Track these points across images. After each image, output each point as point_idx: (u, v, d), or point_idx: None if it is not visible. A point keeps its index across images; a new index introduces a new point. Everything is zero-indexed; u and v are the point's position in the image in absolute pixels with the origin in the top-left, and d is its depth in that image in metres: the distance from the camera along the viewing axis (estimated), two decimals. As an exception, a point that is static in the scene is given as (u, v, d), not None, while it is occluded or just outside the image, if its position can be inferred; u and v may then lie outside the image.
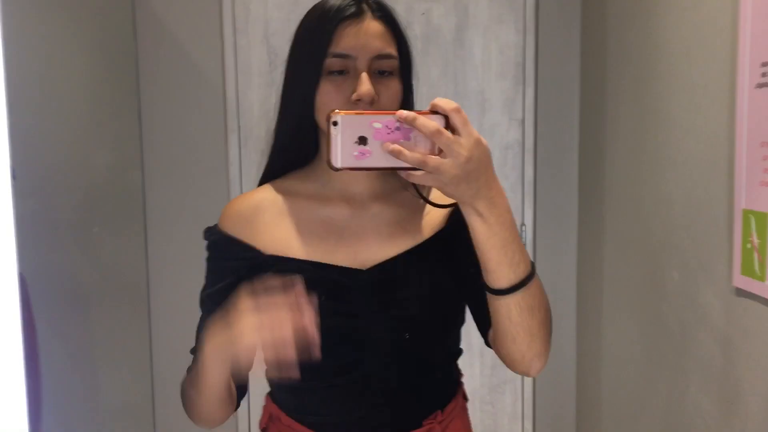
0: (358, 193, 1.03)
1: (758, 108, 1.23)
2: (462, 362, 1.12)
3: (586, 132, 2.21)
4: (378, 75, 0.95)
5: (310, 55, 0.95)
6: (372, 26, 0.96)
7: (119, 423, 2.13)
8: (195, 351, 1.01)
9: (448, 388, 1.09)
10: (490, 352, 2.27)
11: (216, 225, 1.06)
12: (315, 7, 0.99)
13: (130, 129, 2.21)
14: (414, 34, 2.23)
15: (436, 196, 1.04)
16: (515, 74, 2.25)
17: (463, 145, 0.81)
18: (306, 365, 0.89)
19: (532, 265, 0.91)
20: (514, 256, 0.88)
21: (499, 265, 0.88)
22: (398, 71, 0.98)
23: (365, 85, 0.93)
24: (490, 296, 0.91)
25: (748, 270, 1.27)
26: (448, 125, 0.82)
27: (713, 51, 1.38)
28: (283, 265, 0.98)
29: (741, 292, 1.29)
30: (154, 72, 2.22)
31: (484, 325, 1.00)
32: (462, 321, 1.06)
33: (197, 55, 2.22)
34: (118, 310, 2.13)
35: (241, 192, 2.24)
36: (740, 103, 1.28)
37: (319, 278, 0.97)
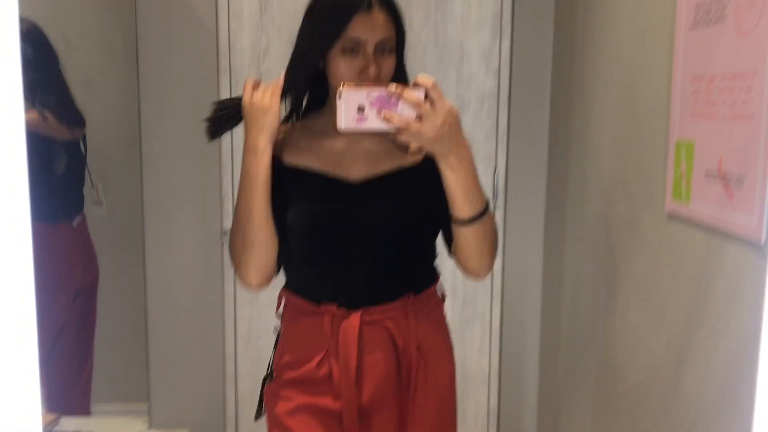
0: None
1: (692, 47, 1.36)
2: None
3: (557, 81, 2.35)
4: (379, 52, 1.26)
5: (328, 34, 1.25)
6: (379, 17, 1.26)
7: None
8: (237, 201, 1.31)
9: (419, 281, 1.41)
10: (461, 289, 2.45)
11: None
12: (323, 1, 1.29)
13: (127, 71, 2.34)
14: (398, -15, 2.35)
15: None
16: (492, 26, 2.37)
17: (438, 113, 1.12)
18: (308, 250, 1.33)
19: (487, 203, 1.28)
20: (474, 197, 1.24)
21: (463, 203, 1.24)
22: (394, 48, 1.29)
23: (372, 66, 1.24)
24: (454, 225, 1.27)
25: (677, 194, 1.41)
26: (427, 97, 1.12)
27: (656, 1, 1.52)
28: (296, 173, 1.34)
29: (672, 215, 1.44)
30: (151, 15, 2.34)
31: (449, 241, 1.37)
32: (429, 232, 1.40)
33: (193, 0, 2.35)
34: (115, 250, 2.27)
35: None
36: (678, 42, 1.41)
37: (322, 184, 1.33)
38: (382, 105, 1.14)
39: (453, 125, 1.15)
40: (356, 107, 1.15)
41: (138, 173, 2.39)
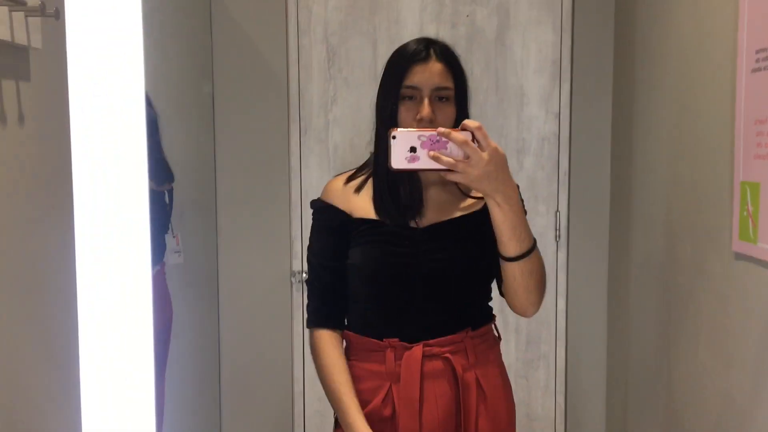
0: (423, 181, 1.44)
1: (753, 90, 1.39)
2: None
3: (618, 124, 2.38)
4: (438, 101, 1.36)
5: (392, 85, 1.37)
6: (435, 66, 1.36)
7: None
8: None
9: (477, 317, 1.48)
10: (525, 330, 2.48)
11: (318, 198, 1.50)
12: (399, 49, 1.43)
13: (206, 120, 2.49)
14: (459, 34, 2.43)
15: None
16: (552, 71, 2.43)
17: (484, 153, 1.19)
18: (373, 291, 1.44)
19: (534, 241, 1.34)
20: (521, 234, 1.30)
21: (509, 240, 1.30)
22: (453, 98, 1.38)
23: (426, 109, 1.34)
24: (502, 261, 1.34)
25: (744, 235, 1.43)
26: (474, 139, 1.19)
27: (717, 41, 1.55)
28: (366, 224, 1.42)
29: (739, 256, 1.45)
30: (227, 68, 2.49)
31: (499, 281, 1.43)
32: (486, 273, 1.46)
33: (265, 52, 2.48)
34: (192, 294, 2.38)
35: (300, 177, 2.49)
36: (739, 86, 1.44)
37: (389, 230, 1.42)
38: (432, 146, 1.21)
39: (499, 164, 1.22)
40: (408, 148, 1.22)
41: (213, 219, 2.51)
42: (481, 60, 2.44)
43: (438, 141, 1.21)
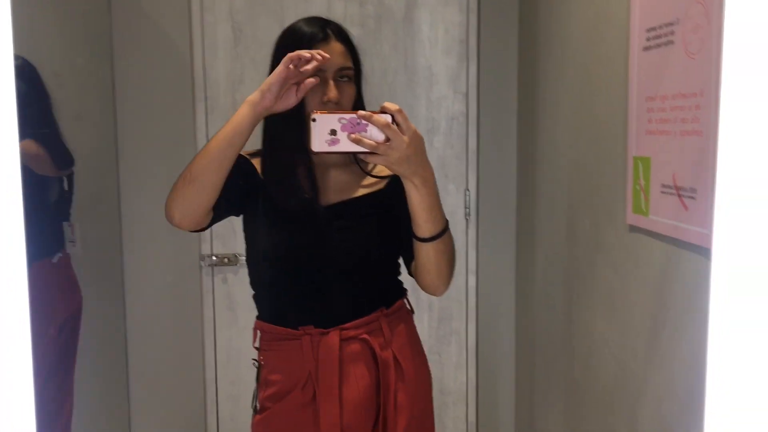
0: (324, 160, 1.45)
1: (645, 67, 1.45)
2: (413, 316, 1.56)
3: (523, 104, 2.43)
4: (340, 80, 1.37)
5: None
6: (336, 47, 1.37)
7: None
8: (209, 142, 1.34)
9: (388, 294, 1.50)
10: (437, 307, 2.52)
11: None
12: (290, 31, 1.40)
13: (105, 100, 2.38)
14: (367, 12, 2.42)
15: (377, 170, 1.48)
16: (459, 51, 2.45)
17: (404, 136, 1.20)
18: (283, 275, 1.41)
19: (446, 222, 1.37)
20: (436, 216, 1.32)
21: (425, 222, 1.31)
22: (353, 78, 1.40)
23: (332, 91, 1.35)
24: (415, 242, 1.36)
25: (637, 208, 1.49)
26: (394, 121, 1.20)
27: (612, 21, 1.60)
28: (270, 201, 1.40)
29: (633, 228, 1.51)
30: (128, 47, 2.39)
31: (409, 259, 1.45)
32: (394, 250, 1.48)
33: (168, 30, 2.40)
34: (95, 282, 2.29)
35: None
36: (632, 64, 1.49)
37: (293, 213, 1.40)
38: (353, 129, 1.21)
39: (418, 147, 1.23)
40: (328, 131, 1.21)
41: (116, 205, 2.42)
42: (390, 39, 2.44)
43: (359, 124, 1.21)
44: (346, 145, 1.22)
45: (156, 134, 2.42)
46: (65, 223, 2.14)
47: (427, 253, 1.35)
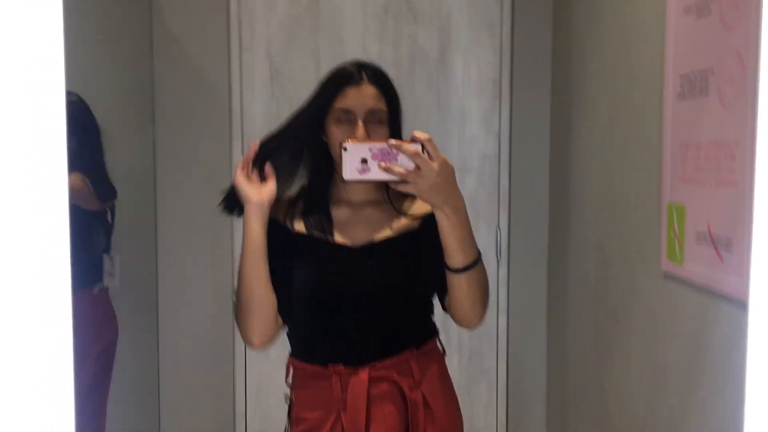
0: (357, 201, 1.45)
1: (679, 115, 1.45)
2: None
3: (556, 144, 2.44)
4: (372, 123, 1.37)
5: (323, 106, 1.38)
6: (367, 90, 1.37)
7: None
8: (239, 268, 1.39)
9: (421, 334, 1.48)
10: (467, 346, 2.51)
11: None
12: (332, 72, 1.44)
13: (145, 135, 2.45)
14: (402, 54, 2.46)
15: (411, 210, 1.48)
16: (492, 91, 2.48)
17: (434, 164, 1.20)
18: (314, 314, 1.41)
19: (479, 253, 1.35)
20: (467, 246, 1.32)
21: (456, 252, 1.31)
22: (386, 120, 1.39)
23: (360, 131, 1.35)
24: (448, 272, 1.34)
25: (672, 255, 1.48)
26: (424, 151, 1.21)
27: (646, 67, 1.61)
28: (304, 240, 1.42)
29: (667, 276, 1.50)
30: (168, 84, 2.46)
31: (442, 294, 1.42)
32: (426, 289, 1.47)
33: (207, 69, 2.46)
34: (131, 313, 2.33)
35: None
36: (666, 111, 1.50)
37: (326, 250, 1.42)
38: (383, 157, 1.22)
39: (448, 176, 1.24)
40: (359, 159, 1.24)
41: (153, 238, 2.47)
42: (424, 79, 2.47)
43: (389, 153, 1.22)
44: (376, 174, 1.23)
45: (193, 170, 2.48)
46: (105, 255, 2.19)
47: (459, 285, 1.35)
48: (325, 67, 2.41)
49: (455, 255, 1.31)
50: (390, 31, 2.45)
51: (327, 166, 1.46)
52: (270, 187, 1.35)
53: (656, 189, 1.54)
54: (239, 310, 1.40)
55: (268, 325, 1.39)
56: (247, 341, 1.41)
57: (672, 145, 1.47)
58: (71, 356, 0.66)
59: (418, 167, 1.21)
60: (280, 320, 1.41)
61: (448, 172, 1.23)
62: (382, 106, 1.39)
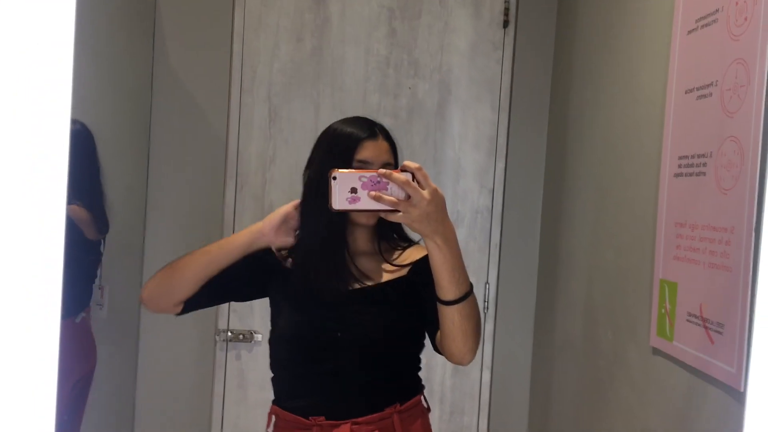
0: (351, 248, 1.47)
1: (675, 193, 1.46)
2: None
3: (548, 204, 2.45)
4: None
5: (341, 158, 1.39)
6: (383, 145, 1.43)
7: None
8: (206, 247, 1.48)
9: (407, 389, 1.48)
10: (449, 400, 2.48)
11: None
12: (336, 131, 1.46)
13: (139, 169, 2.44)
14: (400, 105, 2.48)
15: (399, 260, 1.50)
16: (489, 147, 2.50)
17: (425, 193, 1.19)
18: (298, 358, 1.42)
19: (471, 285, 1.33)
20: (459, 277, 1.29)
21: (449, 283, 1.27)
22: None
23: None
24: (440, 305, 1.31)
25: (662, 332, 1.48)
26: (414, 180, 1.19)
27: (644, 142, 1.63)
28: (288, 274, 1.46)
29: (657, 351, 1.50)
30: (165, 119, 2.45)
31: (433, 331, 1.40)
32: (415, 341, 1.48)
33: (206, 107, 2.47)
34: (111, 345, 2.30)
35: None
36: (662, 188, 1.51)
37: (312, 293, 1.43)
38: (373, 187, 1.20)
39: (439, 205, 1.21)
40: (349, 189, 1.21)
41: (139, 272, 2.45)
42: (421, 132, 2.49)
43: (379, 182, 1.20)
44: (366, 203, 1.21)
45: (185, 207, 2.47)
46: (95, 286, 2.17)
47: (452, 318, 1.30)
48: (324, 113, 2.45)
49: (447, 286, 1.28)
50: (391, 83, 2.48)
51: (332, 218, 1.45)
52: (286, 240, 1.45)
53: (649, 263, 1.55)
54: (166, 267, 1.48)
55: (167, 297, 1.47)
56: (142, 291, 1.51)
57: (667, 222, 1.48)
58: (55, 383, 0.65)
59: (408, 196, 1.19)
60: (179, 307, 1.49)
61: (438, 201, 1.21)
62: (392, 160, 1.45)
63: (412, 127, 2.48)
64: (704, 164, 1.35)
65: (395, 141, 1.49)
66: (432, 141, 2.49)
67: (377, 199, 1.19)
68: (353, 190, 1.21)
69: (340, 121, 1.49)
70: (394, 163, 1.44)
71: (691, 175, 1.40)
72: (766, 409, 0.68)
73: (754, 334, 0.64)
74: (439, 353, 1.43)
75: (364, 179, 1.20)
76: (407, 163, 1.21)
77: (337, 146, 1.42)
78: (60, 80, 0.60)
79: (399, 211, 1.19)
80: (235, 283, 1.49)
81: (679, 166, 1.45)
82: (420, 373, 1.53)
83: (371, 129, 1.44)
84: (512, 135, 2.50)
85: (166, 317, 2.44)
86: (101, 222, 2.12)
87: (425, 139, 2.49)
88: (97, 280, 2.18)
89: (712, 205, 1.31)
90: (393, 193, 1.19)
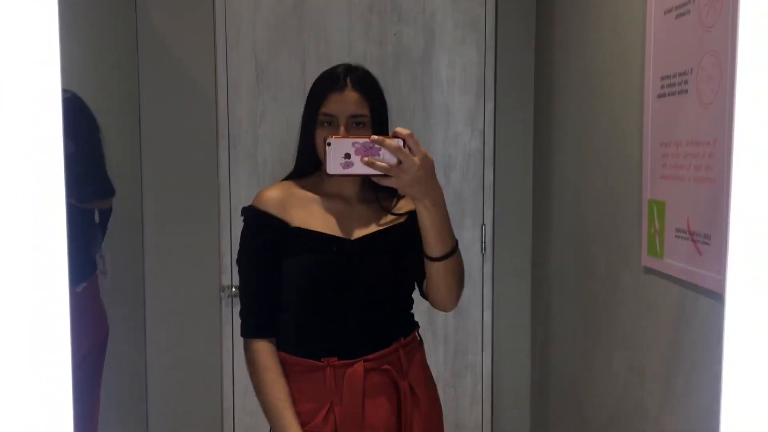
0: (348, 196, 1.52)
1: (659, 114, 1.49)
2: (427, 349, 1.62)
3: (539, 141, 2.48)
4: (354, 126, 1.43)
5: (311, 112, 1.46)
6: (350, 96, 1.43)
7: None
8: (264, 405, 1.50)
9: (406, 326, 1.56)
10: (453, 339, 2.54)
11: (251, 206, 1.49)
12: (320, 76, 1.50)
13: (131, 136, 2.45)
14: (386, 52, 2.48)
15: (396, 208, 1.56)
16: (477, 89, 2.51)
17: (415, 158, 1.27)
18: (309, 301, 1.46)
19: (456, 243, 1.43)
20: (445, 236, 1.39)
21: (435, 242, 1.37)
22: (369, 124, 1.45)
23: (341, 134, 1.41)
24: (426, 261, 1.43)
25: (652, 250, 1.52)
26: (405, 146, 1.26)
27: (627, 66, 1.65)
28: (304, 234, 1.45)
29: (648, 270, 1.54)
30: (153, 82, 2.46)
31: (420, 280, 1.53)
32: (413, 280, 1.55)
33: (192, 67, 2.47)
34: (118, 312, 2.34)
35: (230, 192, 2.49)
36: (646, 109, 1.53)
37: (324, 241, 1.46)
38: (366, 152, 1.27)
39: (428, 170, 1.30)
40: (343, 154, 1.28)
41: (139, 235, 2.48)
42: (409, 78, 2.49)
43: (371, 148, 1.27)
44: (359, 168, 1.28)
45: (179, 168, 2.49)
46: (97, 255, 2.20)
47: (437, 272, 1.42)
48: (311, 66, 2.45)
49: (434, 245, 1.39)
50: (375, 30, 2.48)
51: (314, 164, 1.52)
52: None
53: (637, 185, 1.57)
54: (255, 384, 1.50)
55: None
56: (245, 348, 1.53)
57: (652, 143, 1.51)
58: (69, 354, 0.68)
59: (399, 162, 1.26)
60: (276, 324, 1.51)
61: (428, 166, 1.29)
62: (364, 111, 1.45)
63: (400, 74, 2.48)
64: (686, 81, 1.37)
65: (374, 86, 1.49)
66: (420, 87, 2.50)
67: (370, 164, 1.26)
68: (347, 156, 1.28)
69: (329, 69, 1.51)
70: (367, 114, 1.45)
71: (673, 94, 1.42)
72: (744, 308, 0.71)
73: (730, 234, 0.67)
74: (425, 299, 1.54)
75: (357, 145, 1.27)
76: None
77: (309, 101, 1.48)
78: (47, 49, 0.61)
79: (391, 176, 1.26)
80: (277, 274, 1.49)
81: (662, 87, 1.47)
82: (424, 316, 1.60)
83: (338, 80, 1.45)
84: (500, 75, 2.51)
85: (170, 277, 2.48)
86: (107, 187, 2.13)
87: (413, 86, 2.50)
88: (101, 249, 2.21)
89: (695, 121, 1.33)
90: (385, 159, 1.26)
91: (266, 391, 1.45)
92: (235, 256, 1.55)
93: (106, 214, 2.42)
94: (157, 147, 2.48)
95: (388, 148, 1.26)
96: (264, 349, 1.46)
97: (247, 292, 1.50)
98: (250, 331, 1.48)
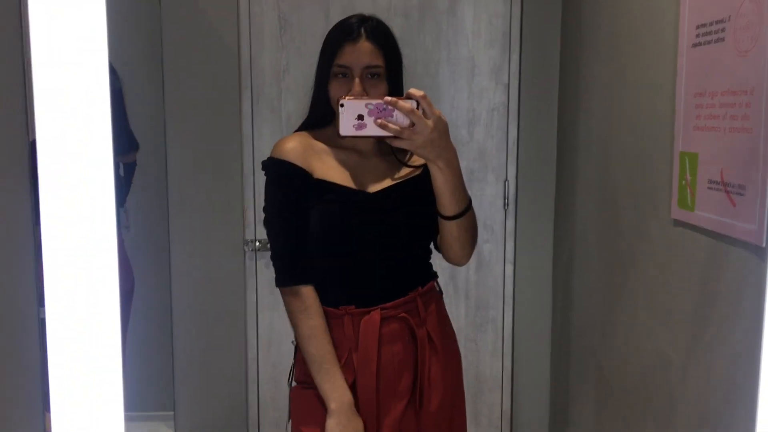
0: (363, 149, 1.52)
1: (693, 63, 1.46)
2: (449, 303, 1.65)
3: (564, 95, 2.44)
4: (369, 78, 1.42)
5: (325, 63, 1.45)
6: (364, 46, 1.42)
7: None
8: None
9: (424, 275, 1.57)
10: (474, 294, 2.55)
11: (273, 157, 1.48)
12: (335, 26, 1.49)
13: (155, 88, 2.45)
14: (411, 4, 2.45)
15: (412, 161, 1.55)
16: (502, 42, 2.47)
17: (428, 120, 1.27)
18: (332, 252, 1.47)
19: (470, 201, 1.46)
20: (459, 196, 1.41)
21: (450, 201, 1.40)
22: (384, 75, 1.44)
23: (356, 87, 1.41)
24: (440, 219, 1.45)
25: (683, 203, 1.51)
26: (419, 107, 1.26)
27: (661, 15, 1.61)
28: (326, 186, 1.46)
29: (678, 223, 1.53)
30: (177, 36, 2.44)
31: (435, 235, 1.54)
32: (431, 231, 1.55)
33: (215, 20, 2.45)
34: (143, 265, 2.37)
35: (253, 145, 2.49)
36: (680, 59, 1.51)
37: (348, 195, 1.47)
38: (379, 114, 1.27)
39: (442, 131, 1.30)
40: (356, 116, 1.28)
41: (164, 189, 2.49)
42: (433, 31, 2.46)
43: (385, 109, 1.26)
44: (372, 130, 1.28)
45: (203, 122, 2.49)
46: (121, 209, 2.22)
47: (450, 230, 1.45)
48: (335, 18, 2.40)
49: (448, 204, 1.41)
50: (400, -19, 2.44)
51: (329, 115, 1.52)
52: None
53: (669, 138, 1.55)
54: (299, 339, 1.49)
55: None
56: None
57: (686, 94, 1.49)
58: (117, 294, 0.69)
59: (412, 123, 1.26)
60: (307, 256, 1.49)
61: (441, 128, 1.29)
62: (379, 62, 1.44)
63: (425, 26, 2.45)
64: (723, 29, 1.34)
65: (389, 37, 1.47)
66: (445, 40, 2.47)
67: (383, 126, 1.26)
68: (360, 117, 1.27)
69: (343, 19, 1.49)
70: (382, 65, 1.43)
71: (709, 42, 1.39)
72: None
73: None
74: (438, 252, 1.57)
75: (371, 106, 1.27)
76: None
77: (323, 52, 1.47)
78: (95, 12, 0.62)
79: (404, 138, 1.27)
80: (305, 223, 1.48)
81: (697, 35, 1.44)
82: (446, 271, 1.61)
83: (353, 31, 1.43)
84: (525, 28, 2.47)
85: (195, 231, 2.50)
86: (131, 141, 2.15)
87: (438, 38, 2.47)
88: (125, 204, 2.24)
89: (731, 70, 1.31)
90: (398, 120, 1.26)
91: (315, 340, 1.43)
92: (259, 211, 1.57)
93: (130, 169, 2.43)
94: (180, 101, 2.48)
95: (402, 109, 1.25)
96: (312, 293, 1.45)
97: (282, 242, 1.48)
98: (293, 278, 1.46)
